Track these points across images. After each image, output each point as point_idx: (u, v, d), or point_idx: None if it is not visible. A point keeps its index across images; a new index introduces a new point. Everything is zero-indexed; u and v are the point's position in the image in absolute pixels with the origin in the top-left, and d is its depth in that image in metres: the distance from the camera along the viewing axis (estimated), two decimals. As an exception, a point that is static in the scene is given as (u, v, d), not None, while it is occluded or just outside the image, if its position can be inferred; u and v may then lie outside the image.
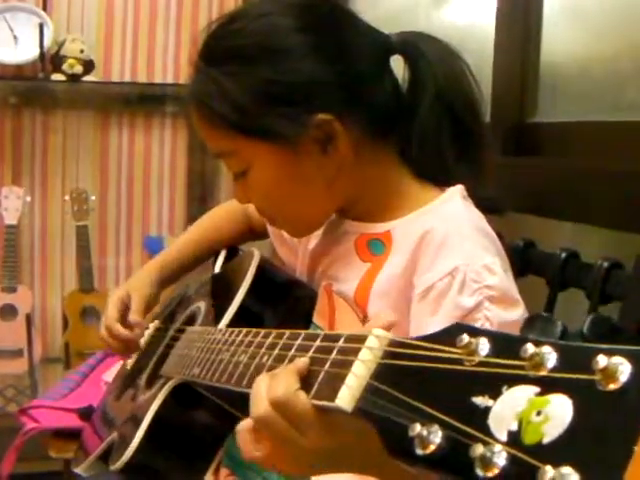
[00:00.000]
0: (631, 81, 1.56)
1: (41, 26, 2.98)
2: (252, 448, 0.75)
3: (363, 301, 1.06)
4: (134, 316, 1.36)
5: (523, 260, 1.37)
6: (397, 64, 1.12)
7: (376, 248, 1.09)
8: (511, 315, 0.96)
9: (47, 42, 3.01)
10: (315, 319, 1.17)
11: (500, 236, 1.07)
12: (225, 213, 1.51)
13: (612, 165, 1.45)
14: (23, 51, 3.03)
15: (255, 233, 1.48)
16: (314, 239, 1.22)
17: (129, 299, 1.38)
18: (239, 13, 1.12)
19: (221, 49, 1.09)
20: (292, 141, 1.04)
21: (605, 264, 1.22)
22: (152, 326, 1.47)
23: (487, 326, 0.94)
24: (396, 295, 1.03)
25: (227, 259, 1.44)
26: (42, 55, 3.01)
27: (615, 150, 1.50)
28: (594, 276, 1.23)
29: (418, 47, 1.10)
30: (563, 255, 1.31)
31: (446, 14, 2.23)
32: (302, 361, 0.73)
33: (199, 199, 3.29)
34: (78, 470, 1.42)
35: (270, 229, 1.35)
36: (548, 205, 1.51)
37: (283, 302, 1.26)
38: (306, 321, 1.18)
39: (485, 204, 1.10)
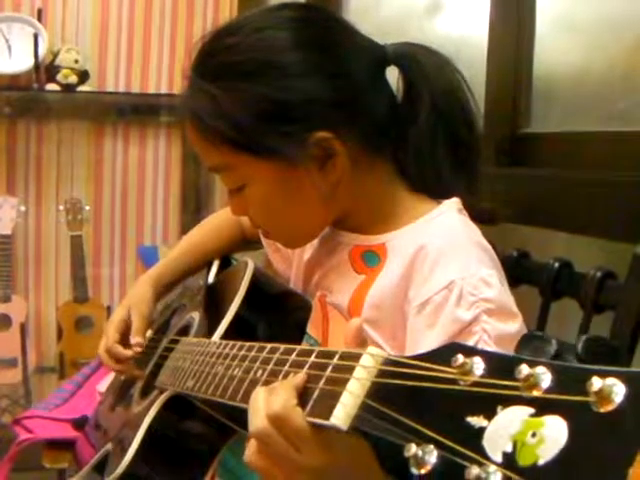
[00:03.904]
0: (623, 91, 1.56)
1: (36, 36, 2.99)
2: (254, 457, 0.75)
3: (357, 313, 1.06)
4: (136, 337, 1.33)
5: (516, 270, 1.37)
6: (391, 73, 1.12)
7: (370, 260, 1.09)
8: (509, 328, 0.96)
9: (42, 52, 3.02)
10: (309, 330, 1.17)
11: (493, 247, 1.07)
12: (218, 222, 1.50)
13: (605, 175, 1.45)
14: (18, 61, 3.04)
15: (249, 242, 1.48)
16: (309, 249, 1.22)
17: (130, 319, 1.37)
18: (234, 27, 1.09)
19: (216, 64, 1.07)
20: (290, 159, 1.03)
21: (598, 274, 1.23)
22: (146, 336, 1.47)
23: (485, 339, 0.93)
24: (390, 307, 1.03)
25: (220, 269, 1.43)
26: (37, 65, 3.02)
27: (608, 160, 1.50)
28: (587, 286, 1.24)
29: (414, 58, 1.09)
30: (556, 265, 1.31)
31: (439, 24, 2.23)
32: (300, 377, 0.73)
33: (193, 209, 3.30)
34: (73, 480, 1.42)
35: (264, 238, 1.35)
36: (541, 215, 1.52)
37: (277, 313, 1.25)
38: (300, 332, 1.17)
39: (479, 215, 1.10)
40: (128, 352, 1.33)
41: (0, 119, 3.15)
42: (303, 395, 0.71)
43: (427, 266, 1.00)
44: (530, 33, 1.77)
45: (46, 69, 3.07)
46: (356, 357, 0.66)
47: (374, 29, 1.13)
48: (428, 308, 0.97)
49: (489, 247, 1.06)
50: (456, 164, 1.10)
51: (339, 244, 1.15)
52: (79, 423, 1.92)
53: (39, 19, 3.09)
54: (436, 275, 0.99)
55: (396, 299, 1.02)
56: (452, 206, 1.08)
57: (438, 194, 1.11)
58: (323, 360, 0.72)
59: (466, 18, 2.08)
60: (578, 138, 1.62)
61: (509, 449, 0.47)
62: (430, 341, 0.95)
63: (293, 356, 0.78)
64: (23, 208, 3.11)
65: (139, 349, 1.33)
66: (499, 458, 0.47)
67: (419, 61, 1.09)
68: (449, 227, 1.06)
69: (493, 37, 1.82)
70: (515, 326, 0.97)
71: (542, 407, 0.47)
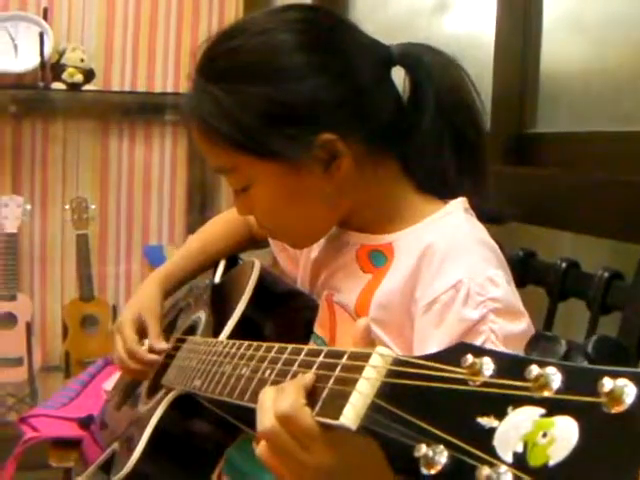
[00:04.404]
0: (630, 92, 1.56)
1: (42, 35, 2.99)
2: (264, 455, 0.76)
3: (364, 312, 1.06)
4: (158, 342, 1.32)
5: (523, 270, 1.37)
6: (397, 73, 1.12)
7: (377, 260, 1.09)
8: (516, 327, 0.96)
9: (47, 51, 3.02)
10: (316, 330, 1.17)
11: (500, 246, 1.07)
12: (225, 222, 1.50)
13: (612, 175, 1.45)
14: (24, 60, 3.04)
15: (256, 242, 1.47)
16: (316, 249, 1.22)
17: (142, 320, 1.35)
18: (239, 28, 1.09)
19: (220, 66, 1.07)
20: (294, 161, 1.03)
21: (606, 274, 1.23)
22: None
23: (492, 339, 0.93)
24: (397, 307, 1.03)
25: (227, 268, 1.43)
26: (42, 64, 3.02)
27: (615, 160, 1.50)
28: (594, 286, 1.23)
29: (419, 59, 1.09)
30: (563, 265, 1.31)
31: (446, 23, 2.23)
32: (308, 377, 0.73)
33: (199, 208, 3.30)
34: (79, 479, 1.42)
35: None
36: (548, 215, 1.51)
37: (284, 313, 1.26)
38: (307, 332, 1.18)
39: (486, 215, 1.10)
40: (152, 355, 1.31)
41: (6, 118, 3.15)
42: (312, 395, 0.71)
43: (434, 266, 1.00)
44: (537, 32, 1.77)
45: (52, 68, 3.07)
46: (365, 357, 0.66)
47: (381, 28, 1.13)
48: (435, 308, 0.97)
49: (496, 247, 1.06)
50: (462, 164, 1.10)
51: (346, 244, 1.15)
52: (85, 422, 1.92)
53: (45, 18, 3.09)
54: (443, 275, 0.99)
55: (403, 299, 1.02)
56: (458, 206, 1.08)
57: (444, 194, 1.11)
58: (332, 360, 0.72)
59: (473, 17, 2.08)
60: (585, 138, 1.62)
61: (520, 449, 0.47)
62: (437, 340, 0.95)
63: (301, 356, 0.78)
64: (29, 207, 3.11)
65: (162, 354, 1.32)
66: (510, 458, 0.47)
67: (424, 61, 1.09)
68: (455, 227, 1.06)
69: (500, 36, 1.82)
70: (522, 325, 0.97)
71: (553, 407, 0.47)
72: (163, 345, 1.31)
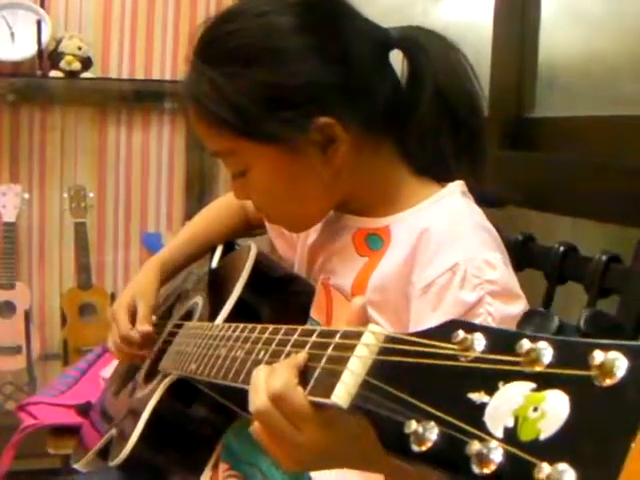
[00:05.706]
0: (628, 75, 1.56)
1: (39, 23, 2.97)
2: (257, 433, 0.76)
3: (360, 295, 1.06)
4: (142, 325, 1.33)
5: (522, 254, 1.36)
6: (395, 57, 1.11)
7: (374, 243, 1.09)
8: (513, 309, 0.96)
9: (45, 39, 3.01)
10: (312, 314, 1.17)
11: (498, 230, 1.07)
12: (222, 208, 1.50)
13: (610, 159, 1.45)
14: (21, 48, 3.03)
15: (252, 227, 1.48)
16: (313, 233, 1.22)
17: (135, 306, 1.36)
18: (236, 11, 1.09)
19: (218, 50, 1.07)
20: (292, 145, 1.03)
21: (604, 258, 1.22)
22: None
23: (489, 321, 0.93)
24: (393, 290, 1.03)
25: (224, 253, 1.44)
26: (40, 52, 3.01)
27: (613, 144, 1.50)
28: (592, 270, 1.23)
29: (418, 42, 1.09)
30: (561, 249, 1.31)
31: (444, 9, 2.22)
32: (301, 356, 0.73)
33: (197, 195, 3.29)
34: (77, 465, 1.42)
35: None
36: (547, 199, 1.52)
37: (280, 297, 1.25)
38: (304, 316, 1.17)
39: (484, 199, 1.10)
40: (144, 335, 1.33)
41: (3, 106, 3.13)
42: (304, 374, 0.71)
43: (431, 249, 1.00)
44: (535, 18, 1.77)
45: (49, 56, 3.06)
46: (357, 335, 0.66)
47: (378, 15, 1.13)
48: (432, 291, 0.97)
49: (493, 230, 1.05)
50: (460, 148, 1.10)
51: (343, 227, 1.15)
52: (83, 409, 1.92)
53: (42, 5, 3.07)
54: (440, 258, 0.98)
55: (400, 282, 1.02)
56: (456, 189, 1.08)
57: (442, 177, 1.10)
58: (324, 339, 0.72)
59: (471, 2, 2.07)
60: (583, 122, 1.62)
61: (510, 424, 0.46)
62: (433, 323, 0.94)
63: (295, 336, 0.78)
64: (27, 195, 3.10)
65: (147, 335, 1.33)
66: (500, 433, 0.47)
67: (422, 44, 1.09)
68: (453, 210, 1.06)
69: (498, 21, 1.82)
70: (519, 307, 0.97)
71: (544, 382, 0.46)
72: (146, 327, 1.32)
